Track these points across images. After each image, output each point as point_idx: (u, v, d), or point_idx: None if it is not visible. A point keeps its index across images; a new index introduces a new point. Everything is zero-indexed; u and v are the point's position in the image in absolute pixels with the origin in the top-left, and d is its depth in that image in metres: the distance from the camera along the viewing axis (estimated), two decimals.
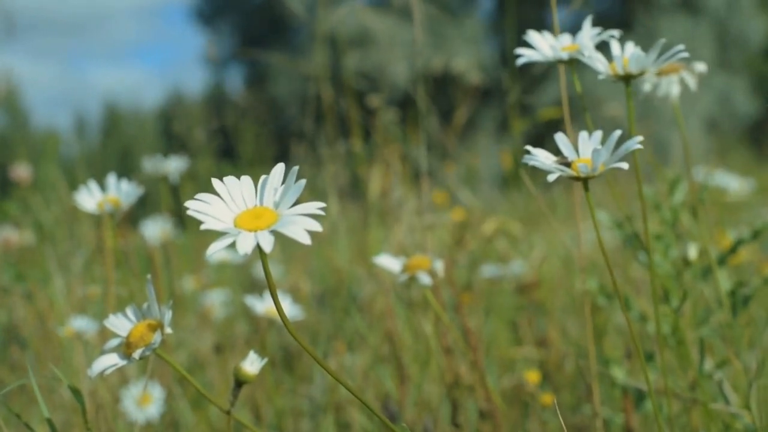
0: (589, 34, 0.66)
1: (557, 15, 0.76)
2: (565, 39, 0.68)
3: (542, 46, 0.67)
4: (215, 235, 0.45)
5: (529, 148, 0.57)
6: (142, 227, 1.49)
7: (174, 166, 1.29)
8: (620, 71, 0.63)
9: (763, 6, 9.05)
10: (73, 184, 1.04)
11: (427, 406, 1.09)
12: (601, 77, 0.64)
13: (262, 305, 1.00)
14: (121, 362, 0.54)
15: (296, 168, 0.47)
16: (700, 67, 0.80)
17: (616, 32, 0.66)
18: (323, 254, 1.83)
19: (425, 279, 0.85)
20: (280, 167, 0.48)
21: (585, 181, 0.55)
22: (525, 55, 0.67)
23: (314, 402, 1.18)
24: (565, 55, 0.66)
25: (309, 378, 1.25)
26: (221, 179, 0.49)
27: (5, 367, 1.32)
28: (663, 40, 0.60)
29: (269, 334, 1.25)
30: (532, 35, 0.68)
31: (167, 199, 1.48)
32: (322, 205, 0.45)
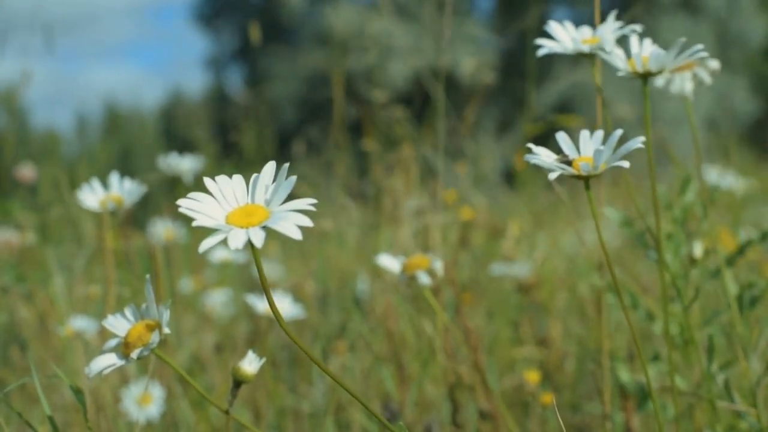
0: (611, 27, 0.65)
1: (558, 14, 0.75)
2: (586, 32, 0.67)
3: (564, 38, 0.67)
4: (215, 231, 0.46)
5: (531, 146, 0.56)
6: (149, 228, 1.49)
7: (188, 165, 1.29)
8: (639, 69, 0.62)
9: (763, 6, 9.06)
10: (74, 184, 1.04)
11: (427, 406, 1.09)
12: (620, 74, 0.63)
13: (263, 304, 1.00)
14: (120, 362, 0.54)
15: (287, 165, 0.48)
16: (714, 64, 0.80)
17: (638, 27, 0.65)
18: (326, 254, 1.83)
19: (424, 278, 0.84)
20: (271, 165, 0.49)
21: (586, 179, 0.55)
22: (546, 46, 0.66)
23: (315, 402, 1.18)
24: (586, 48, 0.65)
25: (310, 378, 1.25)
26: (223, 176, 0.49)
27: (6, 367, 1.32)
28: (683, 39, 0.60)
29: (270, 334, 1.25)
30: (554, 27, 0.67)
31: (182, 198, 1.47)
32: (313, 201, 0.46)
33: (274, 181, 0.49)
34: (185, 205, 0.47)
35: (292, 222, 0.44)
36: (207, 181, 0.49)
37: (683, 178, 0.84)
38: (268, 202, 0.48)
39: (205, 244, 0.44)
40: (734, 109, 8.70)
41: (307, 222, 0.44)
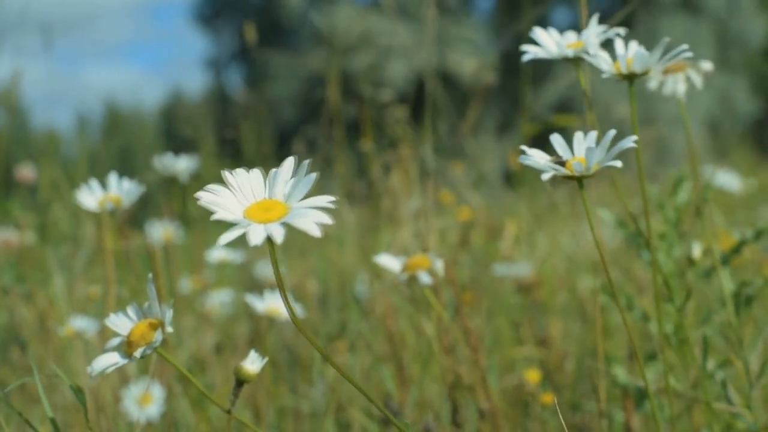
0: (595, 31, 0.66)
1: (557, 15, 0.76)
2: (571, 36, 0.68)
3: (548, 43, 0.67)
4: (217, 233, 0.45)
5: (524, 148, 0.56)
6: (147, 228, 1.49)
7: (184, 165, 1.29)
8: (624, 70, 0.62)
9: (763, 6, 9.07)
10: (74, 184, 1.04)
11: (427, 406, 1.09)
12: (605, 76, 0.63)
13: (263, 304, 1.00)
14: (122, 361, 0.54)
15: (307, 161, 0.47)
16: (707, 65, 0.80)
17: (621, 30, 0.65)
18: (325, 254, 1.83)
19: (425, 278, 0.85)
20: (290, 160, 0.48)
21: (580, 180, 0.55)
22: (530, 51, 0.67)
23: (314, 402, 1.18)
24: (570, 53, 0.65)
25: (310, 378, 1.25)
26: (225, 177, 0.49)
27: (6, 367, 1.32)
28: (667, 39, 0.60)
29: (270, 334, 1.25)
30: (538, 32, 0.67)
31: (178, 198, 1.47)
32: (333, 198, 0.45)
33: (292, 176, 0.48)
34: (205, 197, 0.46)
35: (311, 219, 0.44)
36: (225, 173, 0.48)
37: (675, 178, 0.84)
38: (286, 198, 0.47)
39: (224, 239, 0.43)
40: (734, 109, 8.70)
41: (327, 220, 0.43)
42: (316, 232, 0.43)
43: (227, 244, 0.45)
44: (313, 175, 0.46)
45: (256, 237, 0.43)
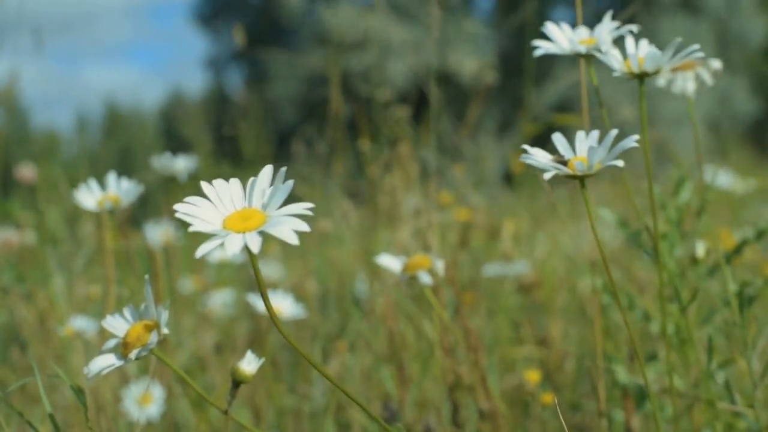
0: (608, 28, 0.66)
1: (559, 14, 0.76)
2: (583, 32, 0.68)
3: (560, 38, 0.67)
4: (211, 236, 0.46)
5: (526, 147, 0.56)
6: (145, 228, 1.49)
7: (183, 165, 1.29)
8: (636, 69, 0.62)
9: (763, 6, 9.07)
10: (74, 184, 1.04)
11: (427, 406, 1.09)
12: (616, 74, 0.63)
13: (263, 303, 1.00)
14: (118, 363, 0.54)
15: (284, 169, 0.47)
16: (716, 64, 0.80)
17: (634, 27, 0.65)
18: (325, 254, 1.83)
19: (425, 278, 0.84)
20: (268, 168, 0.49)
21: (582, 179, 0.55)
22: (543, 47, 0.66)
23: (314, 402, 1.18)
24: (582, 49, 0.65)
25: (310, 378, 1.25)
26: (220, 179, 0.49)
27: (6, 367, 1.32)
28: (679, 40, 0.60)
29: (271, 333, 1.25)
30: (551, 27, 0.67)
31: (178, 198, 1.47)
32: (310, 205, 0.46)
33: (272, 184, 0.48)
34: (182, 209, 0.47)
35: (288, 227, 0.44)
36: (204, 184, 0.49)
37: (677, 179, 0.84)
38: (265, 206, 0.48)
39: (202, 250, 0.44)
40: (734, 109, 8.71)
41: (304, 227, 0.44)
42: (293, 240, 0.44)
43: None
44: (291, 183, 0.47)
45: (233, 247, 0.44)
